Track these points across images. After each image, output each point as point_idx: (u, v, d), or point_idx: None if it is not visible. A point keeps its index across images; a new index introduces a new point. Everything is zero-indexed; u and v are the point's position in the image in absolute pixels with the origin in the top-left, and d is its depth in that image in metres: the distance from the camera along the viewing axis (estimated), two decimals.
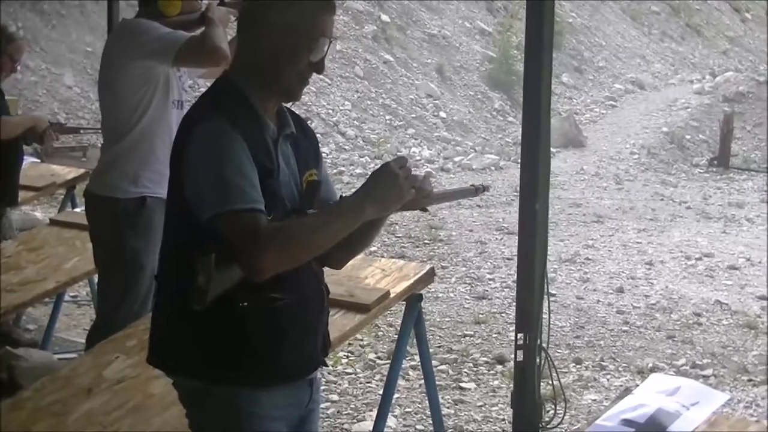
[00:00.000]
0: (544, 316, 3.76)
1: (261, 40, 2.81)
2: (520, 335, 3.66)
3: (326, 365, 3.07)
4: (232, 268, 2.63)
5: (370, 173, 2.78)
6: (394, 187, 2.71)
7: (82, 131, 7.31)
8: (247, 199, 2.64)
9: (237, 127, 2.71)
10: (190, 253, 2.66)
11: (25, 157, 7.16)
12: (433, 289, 9.14)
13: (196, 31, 4.85)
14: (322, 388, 6.55)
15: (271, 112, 2.88)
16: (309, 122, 16.66)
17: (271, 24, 2.79)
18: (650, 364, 7.61)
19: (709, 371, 7.56)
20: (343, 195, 2.94)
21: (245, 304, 2.73)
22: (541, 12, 3.63)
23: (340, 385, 6.91)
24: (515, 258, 4.07)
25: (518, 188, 3.88)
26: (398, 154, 17.18)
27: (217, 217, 2.63)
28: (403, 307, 4.69)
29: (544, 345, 3.71)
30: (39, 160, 9.84)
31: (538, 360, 3.66)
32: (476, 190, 3.14)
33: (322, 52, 2.84)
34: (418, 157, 17.33)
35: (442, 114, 19.72)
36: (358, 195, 2.72)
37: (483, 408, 6.68)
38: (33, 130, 6.55)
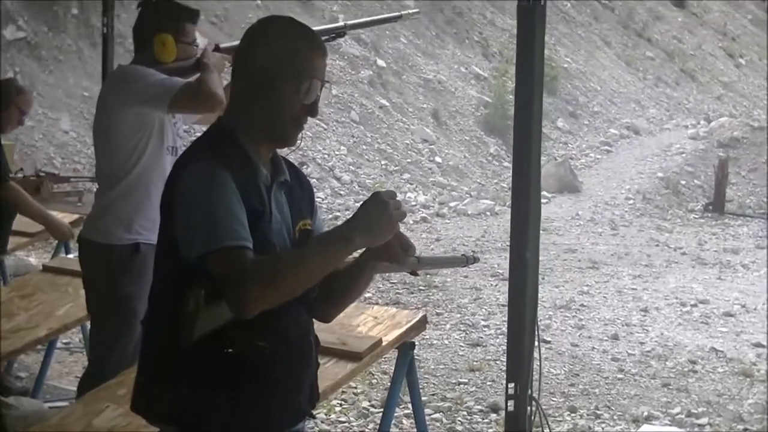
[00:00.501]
0: (536, 364, 3.74)
1: (253, 83, 2.82)
2: (510, 385, 3.64)
3: (313, 417, 3.05)
4: (221, 306, 2.63)
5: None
6: (384, 216, 2.66)
7: (72, 180, 7.34)
8: (236, 236, 2.63)
9: (228, 168, 2.71)
10: (179, 294, 2.66)
11: None
12: (427, 336, 9.12)
13: (192, 77, 4.86)
14: None
15: (265, 159, 2.88)
16: (304, 167, 16.69)
17: (263, 66, 2.80)
18: (645, 413, 7.58)
19: (704, 420, 7.53)
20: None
21: (230, 350, 2.72)
22: (532, 56, 3.64)
23: None
24: None
25: None
26: None
27: (206, 255, 2.62)
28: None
29: (536, 394, 3.70)
30: None
31: (529, 410, 3.65)
32: (466, 260, 3.12)
33: (315, 95, 2.84)
34: (413, 202, 17.34)
35: (438, 159, 19.76)
36: (347, 225, 2.68)
37: None
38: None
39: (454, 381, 8.25)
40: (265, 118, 2.83)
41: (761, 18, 34.81)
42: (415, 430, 4.86)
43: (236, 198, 2.69)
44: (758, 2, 35.65)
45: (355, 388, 7.63)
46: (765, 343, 9.66)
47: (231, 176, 2.70)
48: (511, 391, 3.64)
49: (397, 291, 11.39)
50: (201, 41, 5.06)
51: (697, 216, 18.53)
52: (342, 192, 17.26)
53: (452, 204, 17.77)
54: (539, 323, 3.73)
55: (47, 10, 17.44)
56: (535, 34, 3.62)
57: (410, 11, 5.82)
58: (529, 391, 3.66)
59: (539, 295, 3.74)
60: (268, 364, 2.78)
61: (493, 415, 7.38)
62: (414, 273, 2.98)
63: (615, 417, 7.55)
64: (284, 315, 2.75)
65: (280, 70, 2.80)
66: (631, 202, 18.86)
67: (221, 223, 2.64)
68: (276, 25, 2.92)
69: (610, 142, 23.23)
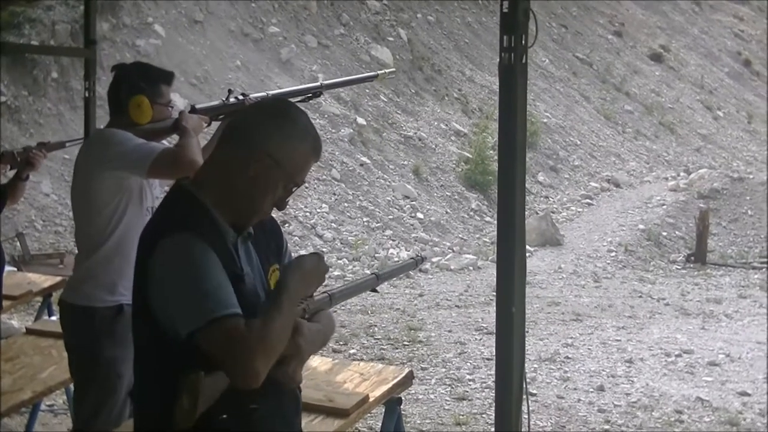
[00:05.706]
0: (523, 418, 3.74)
1: (241, 166, 2.79)
2: None
3: None
4: (217, 381, 2.59)
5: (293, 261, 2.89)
6: (319, 282, 2.88)
7: (68, 144, 7.14)
8: (227, 304, 2.61)
9: (205, 239, 2.69)
10: (165, 371, 2.63)
11: None
12: (413, 391, 9.09)
13: (166, 138, 4.87)
14: None
15: (230, 219, 2.86)
16: (286, 225, 16.62)
17: (269, 155, 2.78)
18: None
19: None
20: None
21: (225, 416, 2.69)
22: (514, 113, 3.67)
23: None
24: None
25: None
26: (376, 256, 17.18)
27: (197, 332, 2.58)
28: (383, 410, 4.68)
29: None
30: (15, 269, 9.81)
31: None
32: (415, 263, 3.43)
33: (289, 194, 2.88)
34: (396, 258, 17.34)
35: (420, 215, 19.79)
36: (284, 297, 2.75)
37: None
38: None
39: None
40: (240, 198, 2.81)
41: (738, 71, 35.15)
42: None
43: (219, 268, 2.67)
44: (734, 55, 36.00)
45: None
46: (751, 392, 9.66)
47: (209, 246, 2.68)
48: None
49: (381, 347, 11.37)
50: (181, 102, 5.07)
51: (679, 267, 18.57)
52: (324, 249, 17.25)
53: (435, 259, 17.77)
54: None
55: (27, 74, 17.49)
56: (517, 91, 3.65)
57: (386, 71, 5.85)
58: None
59: None
60: (261, 424, 2.77)
61: None
62: (374, 290, 3.33)
63: None
64: (269, 374, 2.73)
65: (283, 168, 2.79)
66: (613, 254, 18.89)
67: (209, 296, 2.61)
68: (295, 120, 2.87)
69: (591, 195, 23.32)
